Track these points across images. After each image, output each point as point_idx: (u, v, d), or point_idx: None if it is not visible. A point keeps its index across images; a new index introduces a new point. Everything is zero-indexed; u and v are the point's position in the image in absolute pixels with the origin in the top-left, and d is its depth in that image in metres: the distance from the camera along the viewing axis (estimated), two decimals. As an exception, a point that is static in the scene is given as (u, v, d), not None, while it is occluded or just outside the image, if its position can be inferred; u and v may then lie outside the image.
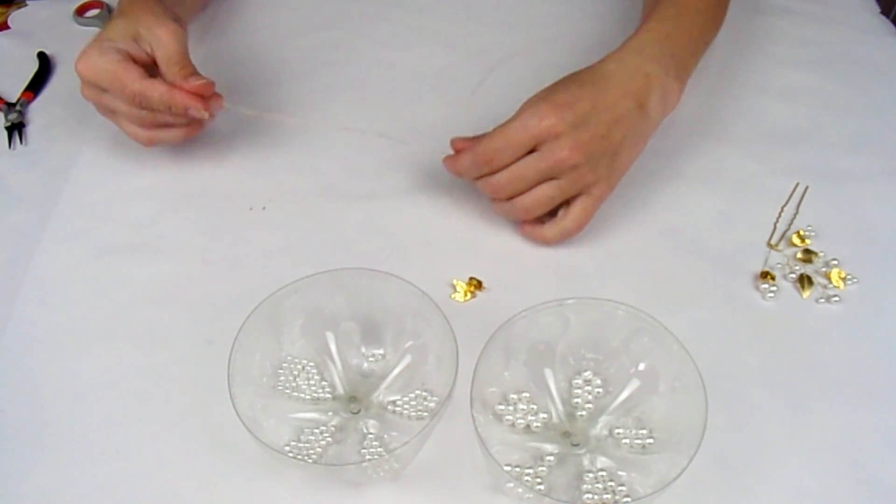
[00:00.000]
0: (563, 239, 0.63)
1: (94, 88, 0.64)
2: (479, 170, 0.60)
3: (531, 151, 0.59)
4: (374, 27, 0.84)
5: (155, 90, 0.62)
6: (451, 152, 0.62)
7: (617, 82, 0.61)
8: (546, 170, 0.59)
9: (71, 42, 0.82)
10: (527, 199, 0.61)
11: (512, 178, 0.60)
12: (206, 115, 0.64)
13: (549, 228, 0.63)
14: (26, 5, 0.87)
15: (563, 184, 0.60)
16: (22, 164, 0.72)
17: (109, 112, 0.66)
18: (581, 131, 0.58)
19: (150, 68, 0.64)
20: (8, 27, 0.85)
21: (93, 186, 0.70)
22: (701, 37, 0.68)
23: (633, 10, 0.72)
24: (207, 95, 0.64)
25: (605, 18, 0.83)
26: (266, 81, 0.78)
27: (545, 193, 0.60)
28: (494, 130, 0.59)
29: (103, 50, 0.63)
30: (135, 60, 0.63)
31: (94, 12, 0.85)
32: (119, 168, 0.71)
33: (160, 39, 0.64)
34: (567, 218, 0.62)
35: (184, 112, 0.63)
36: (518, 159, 0.59)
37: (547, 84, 0.61)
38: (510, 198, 0.61)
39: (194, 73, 0.64)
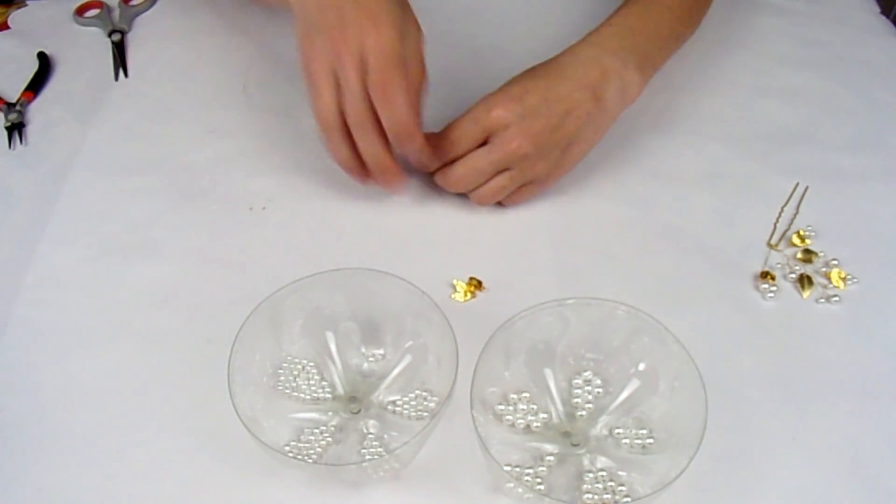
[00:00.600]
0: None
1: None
2: (438, 159, 0.62)
3: (486, 144, 0.60)
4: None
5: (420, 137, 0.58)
6: None
7: (571, 74, 0.61)
8: (498, 161, 0.60)
9: (71, 42, 0.82)
10: (481, 191, 0.63)
11: (467, 170, 0.61)
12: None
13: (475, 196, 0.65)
14: (26, 5, 0.87)
15: (514, 174, 0.61)
16: (22, 164, 0.72)
17: (324, 99, 0.57)
18: (530, 122, 0.59)
19: None
20: (8, 27, 0.85)
21: (93, 186, 0.70)
22: (671, 32, 0.68)
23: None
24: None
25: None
26: (266, 82, 0.78)
27: (498, 184, 0.62)
28: (450, 123, 0.61)
29: (405, 35, 0.56)
30: None
31: (94, 12, 0.85)
32: (119, 168, 0.71)
33: (416, 52, 0.58)
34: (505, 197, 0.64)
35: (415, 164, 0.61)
36: (471, 150, 0.60)
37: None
38: (467, 191, 0.63)
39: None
